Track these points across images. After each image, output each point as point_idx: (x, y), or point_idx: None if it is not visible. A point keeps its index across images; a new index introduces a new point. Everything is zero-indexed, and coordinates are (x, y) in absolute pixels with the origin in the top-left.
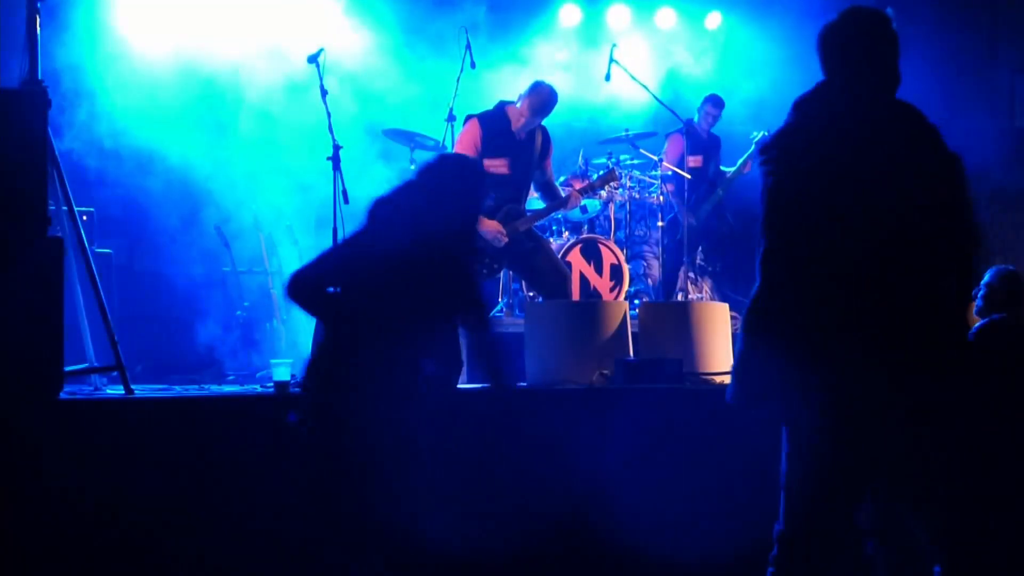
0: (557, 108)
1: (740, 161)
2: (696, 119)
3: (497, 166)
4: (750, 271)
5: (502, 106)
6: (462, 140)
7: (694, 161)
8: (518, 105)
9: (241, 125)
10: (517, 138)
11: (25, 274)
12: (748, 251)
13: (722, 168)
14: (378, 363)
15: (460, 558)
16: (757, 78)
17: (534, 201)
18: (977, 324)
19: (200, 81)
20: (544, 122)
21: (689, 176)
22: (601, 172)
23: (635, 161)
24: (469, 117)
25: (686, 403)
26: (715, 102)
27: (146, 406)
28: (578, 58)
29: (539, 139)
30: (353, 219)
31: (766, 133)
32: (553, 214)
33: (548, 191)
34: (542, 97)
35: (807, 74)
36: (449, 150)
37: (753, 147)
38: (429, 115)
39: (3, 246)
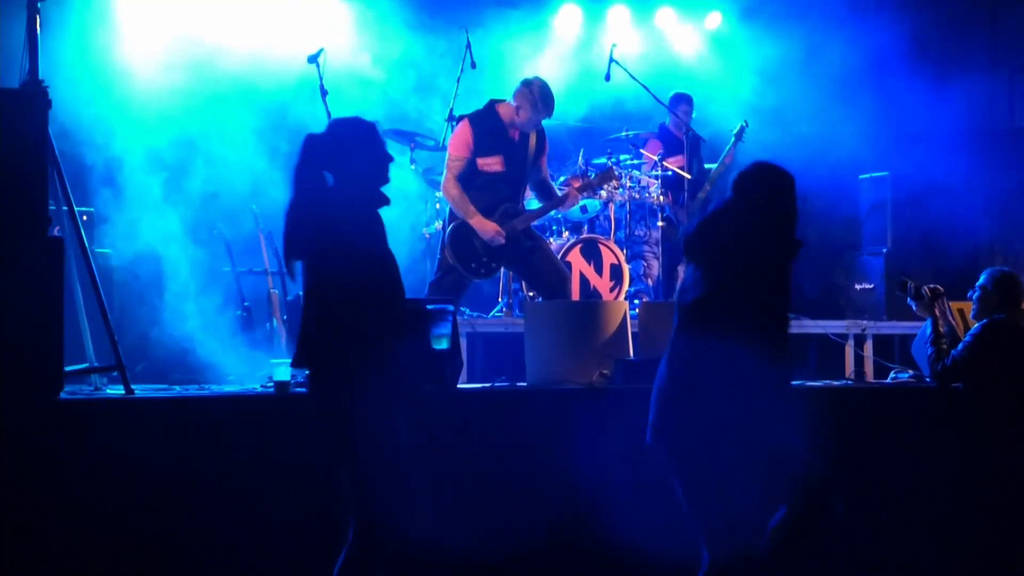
0: (557, 108)
1: (722, 156)
2: (668, 121)
3: (491, 164)
4: None
5: (492, 104)
6: (454, 141)
7: (674, 162)
8: (512, 103)
9: (241, 124)
10: (510, 136)
11: (25, 274)
12: None
13: (706, 166)
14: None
15: (459, 558)
16: (756, 78)
17: (533, 201)
18: (976, 325)
19: (200, 80)
20: (546, 122)
21: (689, 176)
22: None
23: (635, 161)
24: (460, 118)
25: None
26: (687, 100)
27: (146, 406)
28: (578, 58)
29: (534, 137)
30: None
31: (744, 123)
32: (553, 214)
33: (544, 190)
34: (534, 92)
35: (806, 74)
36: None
37: (733, 139)
38: (429, 115)
39: (3, 246)
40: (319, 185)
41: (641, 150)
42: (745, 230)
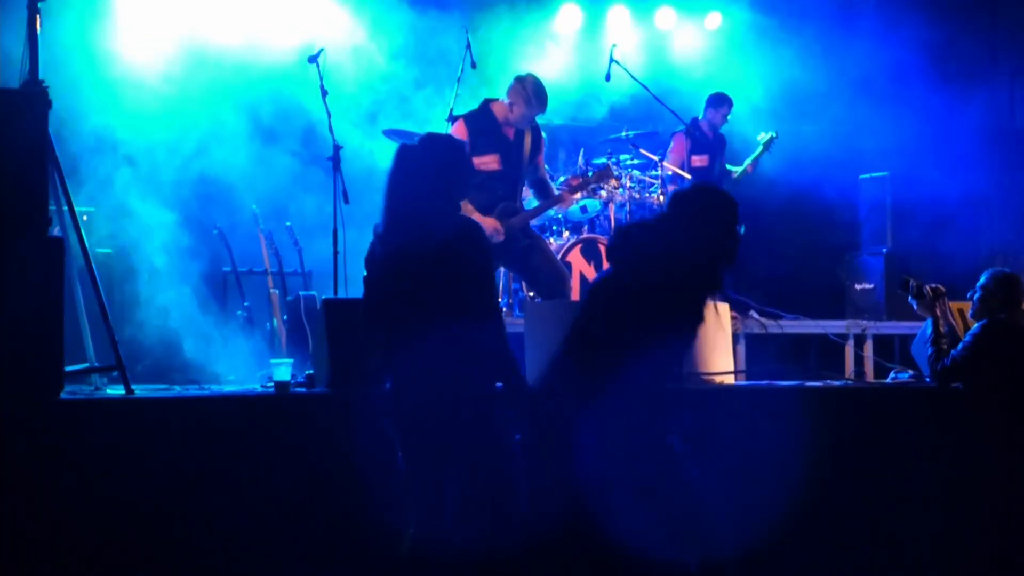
0: (558, 108)
1: (747, 161)
2: (701, 118)
3: (487, 163)
4: (750, 272)
5: (487, 104)
6: None
7: (699, 160)
8: (506, 101)
9: (240, 124)
10: (505, 134)
11: (25, 274)
12: (749, 251)
13: (728, 167)
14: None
15: (458, 558)
16: (757, 78)
17: (531, 201)
18: (976, 325)
19: (200, 80)
20: (543, 121)
21: (689, 176)
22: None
23: (635, 161)
24: (455, 118)
25: (686, 403)
26: (730, 102)
27: (146, 406)
28: (578, 58)
29: (529, 136)
30: (353, 219)
31: (775, 134)
32: (553, 213)
33: (542, 188)
34: (527, 88)
35: (806, 74)
36: None
37: (760, 148)
38: (429, 115)
39: (3, 246)
40: (416, 193)
41: (642, 150)
42: (671, 247)
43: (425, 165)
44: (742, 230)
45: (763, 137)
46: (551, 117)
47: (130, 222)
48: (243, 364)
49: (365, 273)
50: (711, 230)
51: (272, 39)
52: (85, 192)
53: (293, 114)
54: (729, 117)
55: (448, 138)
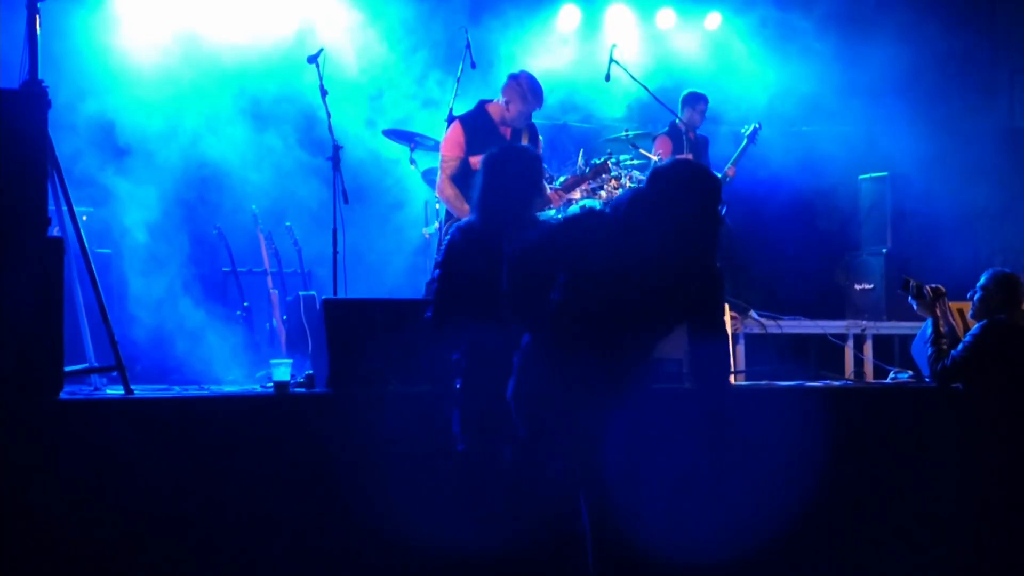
0: (557, 108)
1: (734, 156)
2: (679, 120)
3: None
4: (749, 272)
5: (482, 104)
6: (446, 143)
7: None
8: (501, 100)
9: (240, 124)
10: (501, 134)
11: (25, 274)
12: (746, 251)
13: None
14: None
15: (459, 558)
16: (756, 78)
17: None
18: (976, 325)
19: (199, 80)
20: (546, 122)
21: None
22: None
23: (635, 161)
24: (452, 119)
25: (686, 403)
26: (705, 99)
27: (146, 406)
28: (578, 58)
29: (527, 136)
30: (353, 219)
31: (757, 125)
32: (553, 213)
33: None
34: (522, 84)
35: (806, 74)
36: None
37: (745, 141)
38: (429, 115)
39: (3, 246)
40: (507, 199)
41: (641, 151)
42: (651, 229)
43: (512, 173)
44: (723, 210)
45: (746, 129)
46: (552, 117)
47: (127, 221)
48: (242, 364)
49: (439, 271)
50: (694, 205)
51: (270, 28)
52: (82, 189)
53: (293, 111)
54: (722, 118)
55: (527, 149)
